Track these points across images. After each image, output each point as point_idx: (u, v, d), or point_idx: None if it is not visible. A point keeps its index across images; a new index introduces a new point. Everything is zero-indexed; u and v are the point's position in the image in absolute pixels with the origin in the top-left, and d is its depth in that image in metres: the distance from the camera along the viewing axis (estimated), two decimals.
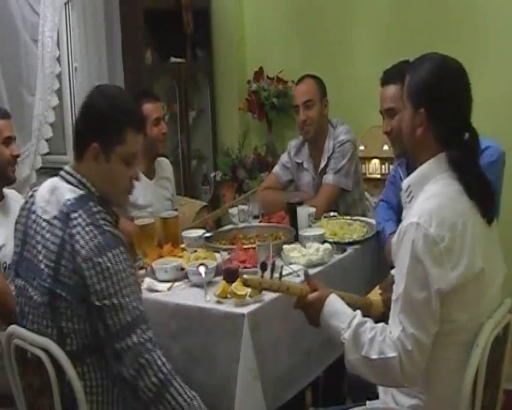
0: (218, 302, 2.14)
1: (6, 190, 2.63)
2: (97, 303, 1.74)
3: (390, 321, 1.68)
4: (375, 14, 4.27)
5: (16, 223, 1.97)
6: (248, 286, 1.88)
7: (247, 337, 2.03)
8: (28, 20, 3.72)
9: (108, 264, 1.75)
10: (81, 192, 1.86)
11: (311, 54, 4.51)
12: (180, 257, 2.52)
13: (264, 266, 1.80)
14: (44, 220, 1.85)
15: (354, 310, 1.79)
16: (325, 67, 4.10)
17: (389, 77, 2.70)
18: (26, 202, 1.96)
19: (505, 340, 1.80)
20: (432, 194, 1.69)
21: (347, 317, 1.74)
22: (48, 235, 1.82)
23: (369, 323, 1.72)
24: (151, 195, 3.19)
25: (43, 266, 1.81)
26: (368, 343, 1.67)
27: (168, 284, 2.31)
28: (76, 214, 1.79)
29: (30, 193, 1.97)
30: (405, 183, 1.83)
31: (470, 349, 1.66)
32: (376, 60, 3.96)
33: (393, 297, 1.68)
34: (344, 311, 1.77)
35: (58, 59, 3.84)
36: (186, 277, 2.35)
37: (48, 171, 3.80)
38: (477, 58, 3.86)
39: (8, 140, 2.55)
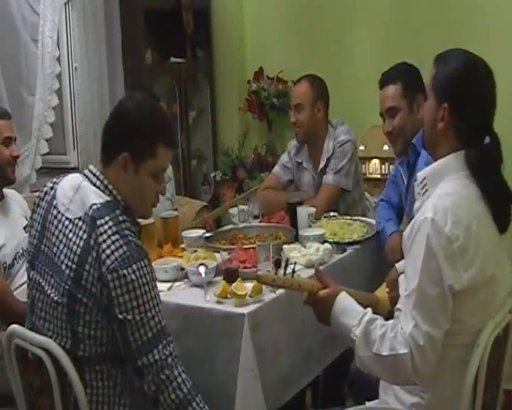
0: (218, 302, 2.14)
1: (6, 191, 2.63)
2: (119, 316, 1.71)
3: (401, 317, 1.66)
4: (375, 14, 4.27)
5: (33, 212, 1.92)
6: (263, 283, 1.89)
7: (247, 337, 2.03)
8: (28, 20, 3.72)
9: (133, 276, 1.71)
10: (108, 198, 1.82)
11: (311, 54, 4.51)
12: (180, 257, 2.53)
13: (278, 263, 1.80)
14: (67, 219, 1.81)
15: (364, 305, 1.78)
16: (325, 67, 4.09)
17: (388, 78, 2.70)
18: (46, 194, 1.90)
19: (505, 340, 1.80)
20: (448, 192, 1.68)
21: (357, 314, 1.73)
22: (71, 235, 1.78)
23: (380, 320, 1.71)
24: None
25: (64, 267, 1.77)
26: (378, 340, 1.65)
27: (168, 284, 2.31)
28: (103, 221, 1.75)
29: (50, 185, 1.92)
30: (421, 174, 1.80)
31: (472, 350, 1.66)
32: (376, 60, 3.96)
33: (405, 293, 1.66)
34: (354, 308, 1.76)
35: (58, 59, 3.84)
36: (186, 277, 2.35)
37: (48, 171, 3.81)
38: None
39: (8, 140, 2.54)
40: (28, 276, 1.92)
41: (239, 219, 3.03)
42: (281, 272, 1.80)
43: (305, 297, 1.85)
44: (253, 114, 4.76)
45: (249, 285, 2.13)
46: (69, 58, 4.06)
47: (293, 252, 2.50)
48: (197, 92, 4.92)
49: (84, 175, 1.88)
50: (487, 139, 1.75)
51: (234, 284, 2.12)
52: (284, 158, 3.43)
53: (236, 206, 3.10)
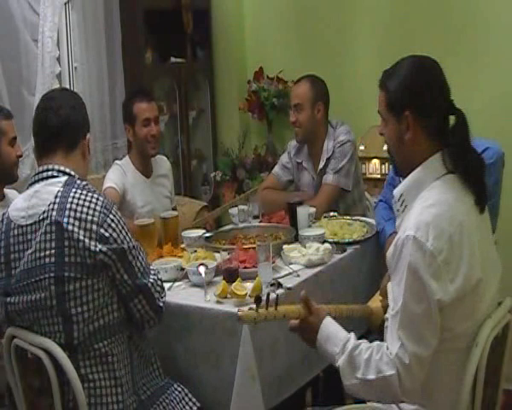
0: (218, 302, 2.15)
1: (6, 190, 2.65)
2: (123, 246, 1.88)
3: (387, 337, 1.66)
4: (374, 14, 4.27)
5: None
6: (244, 323, 1.85)
7: (247, 337, 2.03)
8: (28, 20, 3.72)
9: (117, 216, 1.91)
10: (65, 178, 1.97)
11: (311, 54, 4.51)
12: (180, 257, 2.53)
13: (258, 300, 1.73)
14: (32, 224, 1.91)
15: (358, 318, 1.77)
16: (325, 67, 4.10)
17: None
18: None
19: (505, 340, 1.80)
20: (429, 204, 1.65)
21: (340, 341, 1.71)
22: (42, 231, 1.87)
23: (364, 343, 1.69)
24: (149, 193, 3.19)
25: (43, 262, 1.84)
26: (364, 365, 1.65)
27: (168, 284, 2.31)
28: (71, 193, 1.91)
29: None
30: (397, 191, 1.78)
31: (467, 352, 1.65)
32: (376, 60, 3.96)
33: (391, 312, 1.66)
34: (337, 335, 1.74)
35: (58, 59, 3.84)
36: (186, 277, 2.35)
37: None
38: (477, 59, 3.86)
39: (14, 141, 2.57)
40: (6, 309, 1.93)
41: (239, 219, 3.03)
42: (261, 310, 1.73)
43: (291, 324, 1.84)
44: (253, 114, 4.76)
45: (249, 285, 2.13)
46: (69, 58, 4.06)
47: (293, 252, 2.50)
48: (197, 92, 4.92)
49: (35, 181, 1.96)
50: (454, 119, 1.73)
51: (234, 284, 2.13)
52: (284, 158, 3.43)
53: (236, 206, 3.10)
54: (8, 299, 1.91)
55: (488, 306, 1.70)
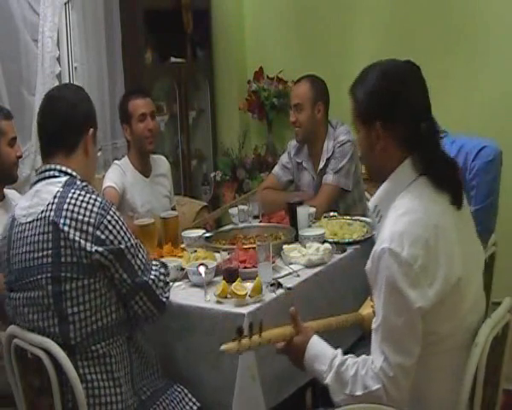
0: (218, 302, 2.14)
1: (6, 191, 2.64)
2: (121, 246, 1.87)
3: (372, 350, 1.65)
4: (375, 14, 4.27)
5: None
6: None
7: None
8: (28, 20, 3.72)
9: (115, 217, 1.89)
10: (65, 178, 1.97)
11: (311, 54, 4.52)
12: (180, 257, 2.53)
13: (240, 331, 1.69)
14: (31, 222, 1.92)
15: (350, 325, 1.75)
16: (325, 67, 4.10)
17: None
18: (5, 230, 2.01)
19: (504, 339, 1.80)
20: (401, 211, 1.64)
21: (327, 359, 1.71)
22: (39, 230, 1.88)
23: (351, 359, 1.69)
24: (148, 193, 3.19)
25: (41, 262, 1.85)
26: (351, 381, 1.65)
27: None
28: (70, 194, 1.91)
29: (9, 221, 2.02)
30: (371, 203, 1.78)
31: (461, 352, 1.65)
32: (376, 60, 3.96)
33: (373, 326, 1.66)
34: (324, 353, 1.74)
35: (58, 59, 3.85)
36: (186, 277, 2.35)
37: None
38: (477, 59, 3.86)
39: (14, 141, 2.57)
40: (11, 305, 1.97)
41: (239, 219, 3.03)
42: (244, 340, 1.69)
43: (277, 348, 1.83)
44: (253, 114, 4.76)
45: (249, 285, 2.13)
46: (69, 58, 4.06)
47: (293, 252, 2.50)
48: (197, 92, 4.92)
49: (37, 180, 1.98)
50: (424, 125, 1.70)
51: (234, 284, 2.13)
52: (284, 158, 3.43)
53: (236, 206, 3.10)
54: (12, 294, 1.94)
55: (472, 302, 1.68)
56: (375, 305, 1.69)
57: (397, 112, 1.70)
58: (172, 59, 4.60)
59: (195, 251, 2.52)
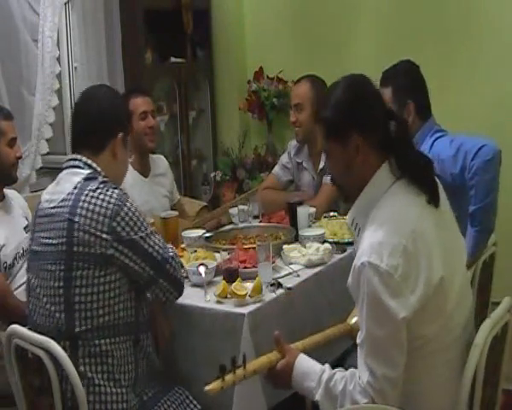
0: (218, 302, 2.15)
1: (6, 191, 2.64)
2: (134, 237, 1.90)
3: (358, 364, 1.65)
4: (375, 15, 4.27)
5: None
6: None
7: (247, 337, 2.03)
8: (28, 20, 3.72)
9: (132, 209, 1.93)
10: (88, 171, 2.01)
11: (311, 54, 4.51)
12: (180, 257, 2.52)
13: (222, 369, 1.67)
14: (52, 208, 1.98)
15: (338, 337, 1.77)
16: (325, 67, 4.09)
17: (381, 81, 2.67)
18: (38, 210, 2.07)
19: (504, 339, 1.80)
20: (378, 222, 1.63)
21: (316, 374, 1.71)
22: (57, 218, 1.94)
23: (339, 373, 1.69)
24: (147, 192, 3.19)
25: (56, 248, 1.90)
26: (340, 396, 1.65)
27: None
28: (89, 187, 1.96)
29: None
30: (349, 217, 1.77)
31: (452, 350, 1.66)
32: (376, 60, 3.96)
33: (358, 341, 1.65)
34: (313, 370, 1.73)
35: (58, 59, 3.84)
36: (186, 277, 2.35)
37: (48, 171, 3.81)
38: (476, 59, 3.86)
39: (13, 141, 2.56)
40: (27, 279, 2.05)
41: (239, 219, 3.03)
42: (228, 376, 1.68)
43: (264, 376, 1.82)
44: (253, 114, 4.76)
45: (249, 285, 2.13)
46: (69, 58, 4.06)
47: (293, 252, 2.50)
48: (197, 92, 4.92)
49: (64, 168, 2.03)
50: (393, 124, 1.72)
51: (234, 284, 2.13)
52: (284, 158, 3.43)
53: (236, 206, 3.10)
54: (29, 275, 2.02)
55: (457, 299, 1.68)
56: (358, 320, 1.68)
57: (368, 116, 1.70)
58: (172, 59, 4.59)
59: (195, 251, 2.52)
